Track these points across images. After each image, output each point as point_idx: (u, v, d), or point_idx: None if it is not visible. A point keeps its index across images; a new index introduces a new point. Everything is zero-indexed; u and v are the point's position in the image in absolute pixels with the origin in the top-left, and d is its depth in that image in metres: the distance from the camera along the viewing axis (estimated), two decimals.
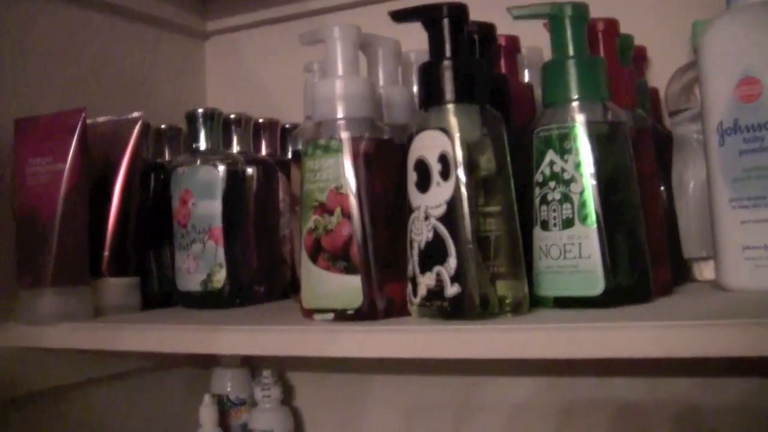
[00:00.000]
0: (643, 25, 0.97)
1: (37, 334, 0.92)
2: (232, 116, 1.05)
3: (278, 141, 1.14)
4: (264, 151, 1.12)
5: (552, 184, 0.74)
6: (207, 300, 0.96)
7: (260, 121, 1.11)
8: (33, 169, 0.93)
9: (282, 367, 1.26)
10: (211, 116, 1.00)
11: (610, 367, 1.04)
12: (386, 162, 0.77)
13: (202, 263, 0.95)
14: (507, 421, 1.12)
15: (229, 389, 1.22)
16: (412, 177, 0.73)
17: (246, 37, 1.38)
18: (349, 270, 0.74)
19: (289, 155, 1.12)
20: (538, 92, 0.90)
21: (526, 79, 0.97)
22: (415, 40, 0.86)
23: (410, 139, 0.74)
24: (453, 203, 0.70)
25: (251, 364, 1.25)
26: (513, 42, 0.92)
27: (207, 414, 1.15)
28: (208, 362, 1.25)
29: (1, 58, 1.01)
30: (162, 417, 1.21)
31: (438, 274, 0.70)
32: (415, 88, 0.91)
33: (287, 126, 1.15)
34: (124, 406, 1.15)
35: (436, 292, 0.70)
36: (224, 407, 1.21)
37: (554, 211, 0.74)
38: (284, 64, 1.29)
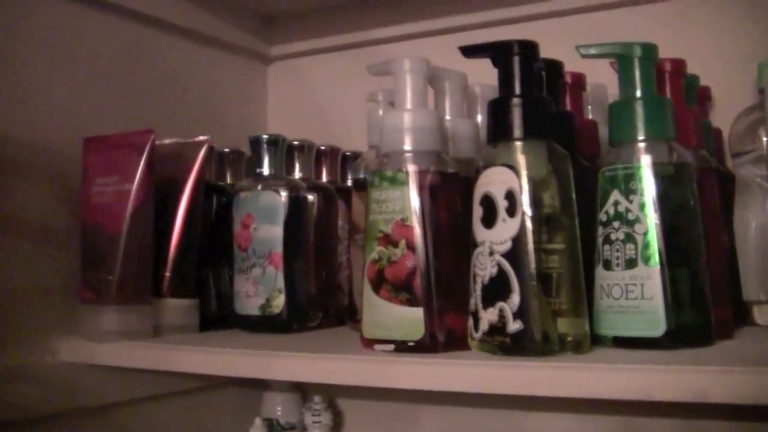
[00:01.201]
0: (708, 65, 0.97)
1: (96, 351, 0.93)
2: (296, 142, 1.06)
3: (339, 167, 1.15)
4: (324, 178, 1.12)
5: (616, 224, 0.74)
6: (265, 324, 0.97)
7: (322, 147, 1.12)
8: (100, 188, 0.94)
9: (332, 393, 1.26)
10: (275, 142, 1.01)
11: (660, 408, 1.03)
12: (451, 195, 0.78)
13: (261, 287, 0.96)
14: None
15: (279, 413, 1.22)
16: (477, 212, 0.73)
17: (309, 63, 1.39)
18: (412, 302, 0.75)
19: (349, 182, 1.13)
20: (601, 129, 0.90)
21: (590, 116, 0.97)
22: (478, 71, 0.87)
23: (477, 173, 0.74)
24: (518, 240, 0.70)
25: (302, 389, 1.25)
26: (579, 79, 0.92)
27: None
28: (258, 385, 1.25)
29: (69, 73, 1.02)
30: None
31: (501, 310, 0.70)
32: (479, 121, 0.92)
33: (347, 153, 1.16)
34: (173, 424, 1.15)
35: (498, 328, 0.71)
36: (273, 430, 1.21)
37: (617, 250, 0.74)
38: (346, 92, 1.30)
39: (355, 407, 1.28)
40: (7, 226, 0.93)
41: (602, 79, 0.95)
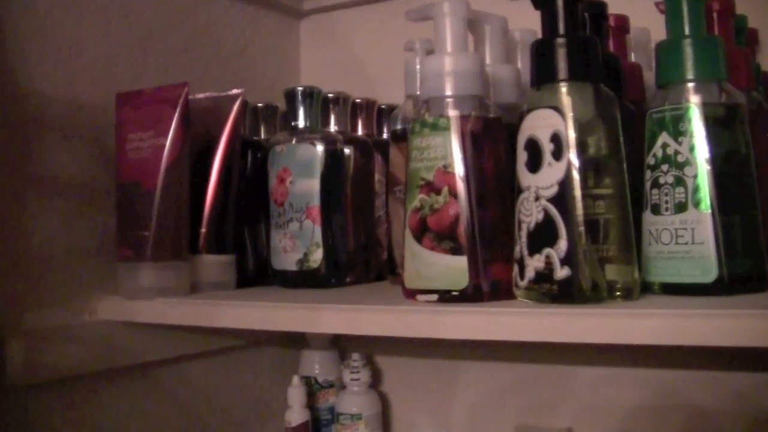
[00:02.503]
0: (756, 6, 0.94)
1: (134, 309, 0.92)
2: (331, 95, 1.05)
3: (375, 121, 1.13)
4: (360, 131, 1.11)
5: (665, 167, 0.72)
6: (303, 279, 0.96)
7: (357, 100, 1.10)
8: (134, 144, 0.93)
9: (370, 350, 1.25)
10: (310, 95, 0.99)
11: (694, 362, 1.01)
12: (494, 141, 0.76)
13: (299, 242, 0.95)
14: (596, 413, 1.10)
15: (317, 371, 1.22)
16: (522, 156, 0.71)
17: (341, 16, 1.37)
18: (456, 251, 0.73)
19: (385, 135, 1.12)
20: (646, 74, 0.88)
21: (633, 60, 0.95)
22: (518, 17, 0.85)
23: (521, 117, 0.72)
24: (565, 184, 0.68)
25: (340, 347, 1.24)
26: (622, 21, 0.90)
27: (295, 395, 1.14)
28: (297, 343, 1.25)
29: (102, 29, 1.01)
30: (250, 395, 1.21)
31: (547, 257, 0.68)
32: (520, 67, 0.90)
33: (383, 106, 1.14)
34: (211, 382, 1.15)
35: (544, 275, 0.69)
36: (312, 389, 1.20)
37: (666, 194, 0.72)
38: (379, 44, 1.28)
39: (393, 364, 1.27)
40: (43, 185, 0.92)
41: (645, 23, 0.93)
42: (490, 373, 1.18)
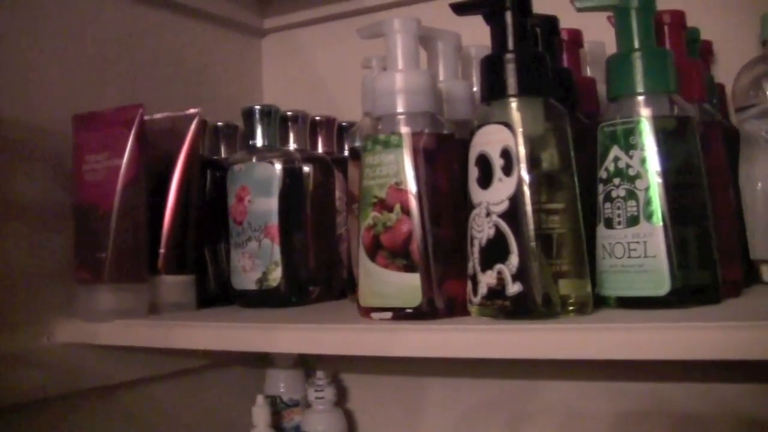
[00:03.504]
0: (709, 18, 0.95)
1: (93, 331, 0.92)
2: (289, 113, 1.05)
3: (335, 138, 1.13)
4: (321, 149, 1.10)
5: (616, 180, 0.72)
6: (263, 298, 0.95)
7: (317, 118, 1.10)
8: (91, 165, 0.92)
9: (336, 368, 1.25)
10: (268, 113, 0.99)
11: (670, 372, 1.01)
12: (447, 157, 0.76)
13: (258, 261, 0.94)
14: (562, 426, 1.10)
15: (282, 390, 1.21)
16: (473, 172, 0.71)
17: (302, 35, 1.37)
18: (409, 268, 0.73)
19: (346, 152, 1.11)
20: (600, 88, 0.88)
21: (588, 74, 0.95)
22: (473, 34, 0.85)
23: (472, 133, 0.72)
24: (515, 199, 0.68)
25: (305, 365, 1.24)
26: (576, 35, 0.90)
27: (260, 415, 1.14)
28: (261, 362, 1.24)
29: (60, 51, 1.00)
30: (214, 416, 1.20)
31: (499, 272, 0.68)
32: (475, 83, 0.90)
33: (344, 123, 1.14)
34: (176, 404, 1.14)
35: (497, 291, 0.69)
36: (277, 408, 1.20)
37: (618, 208, 0.72)
38: (341, 62, 1.29)
39: (358, 382, 1.27)
40: (3, 208, 0.92)
41: (600, 36, 0.93)
42: (456, 390, 1.18)
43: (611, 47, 0.78)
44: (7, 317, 0.91)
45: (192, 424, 1.16)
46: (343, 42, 1.30)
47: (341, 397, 1.23)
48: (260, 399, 1.14)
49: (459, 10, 0.75)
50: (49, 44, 0.99)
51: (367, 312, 0.76)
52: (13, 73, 0.95)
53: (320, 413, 1.16)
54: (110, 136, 0.92)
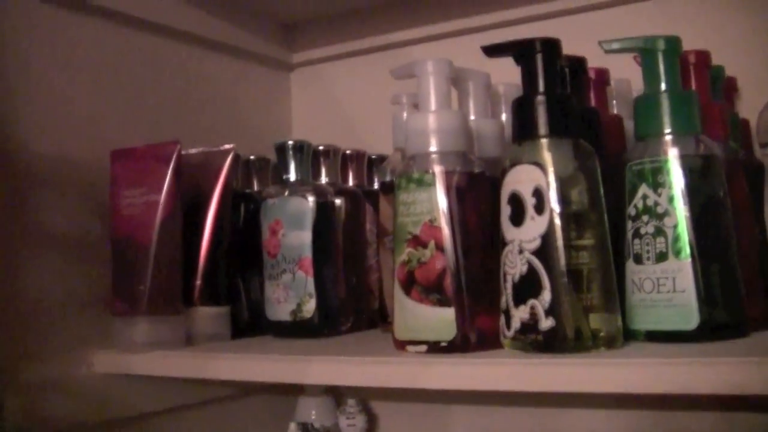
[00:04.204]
0: (734, 55, 0.97)
1: (130, 361, 0.94)
2: (321, 148, 1.06)
3: (365, 171, 1.15)
4: (351, 182, 1.12)
5: (645, 217, 0.74)
6: (296, 329, 0.97)
7: (347, 152, 1.12)
8: (128, 200, 0.95)
9: (366, 395, 1.26)
10: (300, 148, 1.01)
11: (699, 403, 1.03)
12: (478, 195, 0.78)
13: (291, 293, 0.96)
14: None
15: (313, 417, 1.23)
16: (505, 210, 0.73)
17: (331, 69, 1.39)
18: (443, 302, 0.75)
19: (376, 186, 1.13)
20: (627, 124, 0.90)
21: (615, 111, 0.97)
22: (500, 71, 0.87)
23: (504, 172, 0.74)
24: (547, 237, 0.70)
25: (335, 393, 1.26)
26: (602, 74, 0.92)
27: None
28: (292, 390, 1.26)
29: (95, 86, 1.03)
30: None
31: (532, 308, 0.70)
32: (504, 120, 0.92)
33: (373, 156, 1.16)
34: (210, 431, 1.16)
35: (530, 326, 0.71)
36: None
37: (647, 244, 0.74)
38: (369, 96, 1.30)
39: (388, 409, 1.28)
40: (39, 240, 0.94)
41: (626, 74, 0.95)
42: (484, 417, 1.19)
43: (637, 83, 0.80)
44: (45, 346, 0.94)
45: None
46: (370, 76, 1.32)
47: (371, 424, 1.24)
48: (293, 426, 1.16)
49: (490, 52, 0.77)
50: (82, 80, 1.02)
51: (402, 345, 0.78)
52: (48, 107, 0.97)
53: None
54: (148, 171, 0.95)
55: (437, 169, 0.77)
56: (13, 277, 0.91)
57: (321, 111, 1.39)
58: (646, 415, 1.07)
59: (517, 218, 0.72)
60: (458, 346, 0.75)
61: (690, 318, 0.71)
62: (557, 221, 0.70)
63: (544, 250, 0.70)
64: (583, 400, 1.11)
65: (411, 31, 1.26)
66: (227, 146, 1.02)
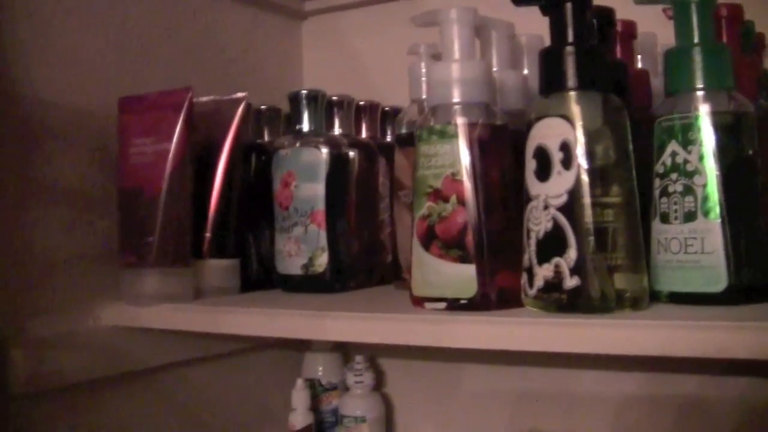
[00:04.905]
0: (763, 11, 0.94)
1: (139, 315, 0.92)
2: (335, 98, 1.04)
3: (378, 124, 1.12)
4: (364, 134, 1.10)
5: (674, 175, 0.71)
6: (308, 284, 0.95)
7: (361, 103, 1.10)
8: (138, 149, 0.92)
9: (373, 352, 1.25)
10: (315, 98, 0.99)
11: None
12: (501, 148, 0.76)
13: (304, 246, 0.94)
14: (600, 415, 1.10)
15: (320, 374, 1.22)
16: (530, 165, 0.71)
17: (343, 18, 1.36)
18: (464, 259, 0.73)
19: (389, 138, 1.11)
20: (652, 80, 0.88)
21: (639, 65, 0.94)
22: (522, 21, 0.84)
23: (529, 125, 0.72)
24: (574, 193, 0.68)
25: (343, 349, 1.24)
26: (630, 27, 0.90)
27: (299, 398, 1.14)
28: (299, 345, 1.24)
29: (105, 33, 1.01)
30: (253, 398, 1.21)
31: (557, 266, 0.68)
32: (525, 73, 0.90)
33: (387, 108, 1.14)
34: (215, 386, 1.15)
35: (554, 284, 0.68)
36: (315, 391, 1.20)
37: (675, 203, 0.71)
38: (381, 46, 1.28)
39: (396, 366, 1.27)
40: (44, 192, 0.92)
41: (652, 27, 0.92)
42: (493, 376, 1.18)
43: (662, 38, 0.78)
44: (51, 300, 0.92)
45: (229, 407, 1.17)
46: (384, 27, 1.29)
47: (378, 381, 1.23)
48: (300, 383, 1.15)
49: (519, 1, 0.74)
50: (92, 27, 0.99)
51: (419, 302, 0.76)
52: (57, 55, 0.94)
53: (359, 397, 1.17)
54: (158, 119, 0.92)
55: (460, 121, 0.74)
56: (19, 229, 0.89)
57: (333, 61, 1.36)
58: (661, 378, 1.05)
59: (543, 173, 0.69)
60: (478, 303, 0.73)
61: (718, 280, 0.69)
62: (585, 177, 0.67)
63: (571, 206, 0.68)
64: (596, 361, 1.09)
65: None
66: (239, 94, 0.99)
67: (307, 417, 1.14)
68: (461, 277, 0.73)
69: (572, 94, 0.70)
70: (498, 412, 1.18)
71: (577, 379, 1.11)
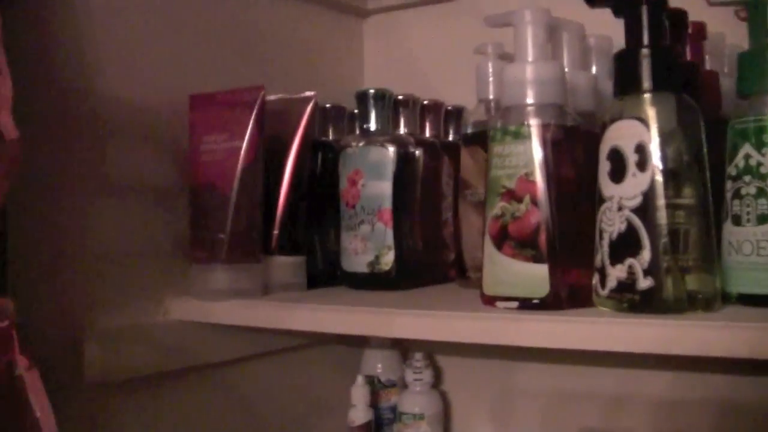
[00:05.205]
0: None
1: (208, 310, 0.93)
2: (401, 97, 1.05)
3: (442, 123, 1.13)
4: (428, 133, 1.11)
5: (747, 178, 0.72)
6: (373, 281, 0.96)
7: (425, 102, 1.10)
8: (209, 146, 0.94)
9: (432, 349, 1.26)
10: (382, 96, 1.00)
11: None
12: (573, 149, 0.76)
13: (370, 244, 0.95)
14: (658, 415, 1.10)
15: (379, 370, 1.23)
16: (605, 166, 0.71)
17: (405, 17, 1.37)
18: (536, 258, 0.74)
19: (451, 137, 1.12)
20: (721, 81, 0.88)
21: (708, 66, 0.94)
22: (594, 24, 0.85)
23: (604, 127, 0.72)
24: (649, 195, 0.68)
25: (401, 346, 1.25)
26: (700, 28, 0.90)
27: (359, 394, 1.16)
28: (358, 342, 1.25)
29: (175, 32, 1.02)
30: (312, 393, 1.22)
31: (630, 267, 0.69)
32: (594, 73, 0.90)
33: (449, 108, 1.14)
34: (277, 381, 1.16)
35: (627, 285, 0.69)
36: (374, 388, 1.21)
37: (748, 206, 0.71)
38: (442, 45, 1.29)
39: (454, 364, 1.28)
40: (116, 188, 0.94)
41: (720, 27, 0.93)
42: (550, 375, 1.18)
43: (731, 39, 0.78)
44: (123, 294, 0.93)
45: (289, 402, 1.18)
46: (443, 25, 1.30)
47: (436, 379, 1.24)
48: (360, 379, 1.16)
49: (593, 2, 0.75)
50: (160, 22, 1.00)
51: (491, 300, 0.77)
52: (125, 51, 0.96)
53: (418, 394, 1.18)
54: (230, 117, 0.93)
55: (534, 122, 0.75)
56: (91, 224, 0.91)
57: (394, 60, 1.37)
58: (731, 380, 1.05)
59: (618, 174, 0.70)
60: (550, 303, 0.73)
61: None
62: (659, 178, 0.68)
63: (645, 208, 0.68)
64: (657, 362, 1.09)
65: None
66: (308, 93, 1.00)
67: (367, 413, 1.16)
68: (534, 277, 0.74)
69: (647, 96, 0.70)
70: (555, 411, 1.19)
71: (638, 379, 1.11)
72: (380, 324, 0.81)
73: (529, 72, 0.76)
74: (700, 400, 1.07)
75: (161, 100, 0.98)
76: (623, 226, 0.69)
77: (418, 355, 1.18)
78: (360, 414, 1.15)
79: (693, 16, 0.87)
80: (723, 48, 0.94)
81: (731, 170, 0.73)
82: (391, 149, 0.96)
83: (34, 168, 0.84)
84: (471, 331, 0.75)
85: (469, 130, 0.95)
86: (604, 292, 0.71)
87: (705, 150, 0.71)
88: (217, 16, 1.08)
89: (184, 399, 1.01)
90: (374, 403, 1.20)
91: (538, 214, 0.74)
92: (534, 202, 0.74)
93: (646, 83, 0.70)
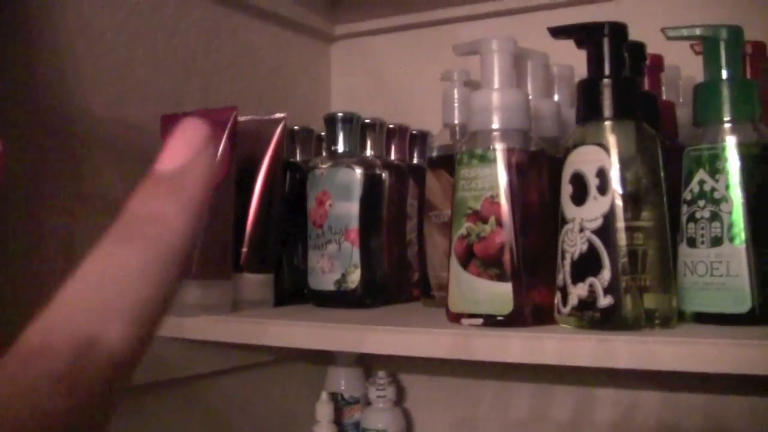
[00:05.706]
0: None
1: (178, 325, 0.94)
2: (368, 121, 1.07)
3: (407, 146, 1.16)
4: (393, 156, 1.14)
5: (701, 202, 0.75)
6: (340, 299, 0.98)
7: (391, 126, 1.13)
8: None
9: (394, 367, 1.28)
10: (350, 120, 1.03)
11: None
12: (536, 172, 0.80)
13: (337, 263, 0.98)
14: None
15: (343, 387, 1.25)
16: (567, 189, 0.75)
17: (372, 43, 1.40)
18: (501, 277, 0.76)
19: (415, 160, 1.15)
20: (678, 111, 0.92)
21: (664, 96, 0.98)
22: (558, 53, 0.88)
23: (567, 152, 0.75)
24: (609, 217, 0.71)
25: (364, 364, 1.27)
26: (657, 60, 0.94)
27: (323, 411, 1.18)
28: (323, 359, 1.27)
29: (152, 49, 1.04)
30: (279, 408, 1.24)
31: (591, 285, 0.72)
32: (557, 100, 0.94)
33: (414, 132, 1.17)
34: (244, 396, 1.18)
35: (588, 303, 0.72)
36: (338, 405, 1.23)
37: (702, 228, 0.75)
38: (408, 71, 1.32)
39: (417, 382, 1.30)
40: (93, 203, 0.95)
41: (676, 60, 0.97)
42: (512, 393, 1.21)
43: (686, 71, 0.81)
44: None
45: (257, 416, 1.20)
46: (411, 52, 1.33)
47: (399, 397, 1.26)
48: (324, 395, 1.18)
49: (557, 34, 0.78)
50: (140, 44, 1.03)
51: (456, 317, 0.80)
52: (107, 71, 0.98)
53: (381, 411, 1.20)
54: None
55: (499, 146, 0.78)
56: (67, 238, 0.93)
57: (360, 84, 1.40)
58: (680, 398, 1.09)
59: (580, 197, 0.73)
60: (514, 320, 0.76)
61: (742, 302, 0.73)
62: (619, 202, 0.71)
63: (606, 229, 0.72)
64: (616, 380, 1.12)
65: (455, 9, 1.26)
66: (279, 115, 1.03)
67: (331, 429, 1.18)
68: (498, 295, 0.77)
69: (608, 123, 0.74)
70: (517, 429, 1.21)
71: (599, 398, 1.14)
72: (353, 339, 0.83)
73: (495, 98, 0.79)
74: (659, 419, 1.10)
75: (140, 118, 1.01)
76: (585, 247, 0.73)
77: (381, 373, 1.21)
78: (324, 430, 1.17)
79: (651, 49, 0.91)
80: (679, 79, 0.99)
81: (686, 195, 0.77)
82: (359, 171, 0.98)
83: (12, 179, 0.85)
84: (440, 346, 0.77)
85: (435, 154, 0.98)
86: (566, 310, 0.74)
87: (663, 175, 0.74)
88: (191, 40, 1.11)
89: (154, 413, 1.02)
90: (338, 420, 1.22)
91: (502, 235, 0.77)
92: (499, 223, 0.77)
93: (607, 111, 0.74)
